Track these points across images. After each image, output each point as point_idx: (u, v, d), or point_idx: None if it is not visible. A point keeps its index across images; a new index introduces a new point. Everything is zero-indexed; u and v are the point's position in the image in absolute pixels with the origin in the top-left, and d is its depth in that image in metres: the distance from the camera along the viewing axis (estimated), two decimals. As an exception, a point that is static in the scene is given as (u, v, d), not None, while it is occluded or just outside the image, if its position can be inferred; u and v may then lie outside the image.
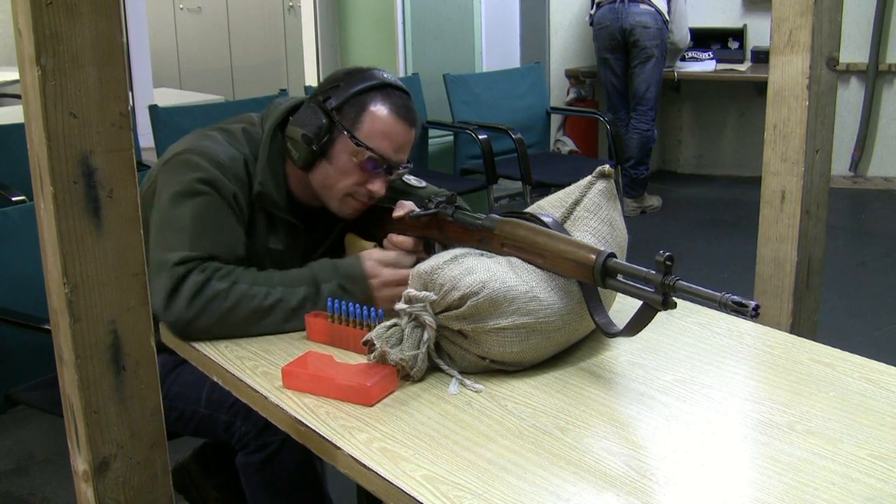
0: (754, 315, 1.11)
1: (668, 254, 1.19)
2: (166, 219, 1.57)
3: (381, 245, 1.67)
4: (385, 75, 1.67)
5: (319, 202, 1.71)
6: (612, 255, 1.31)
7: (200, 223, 1.56)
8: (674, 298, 1.20)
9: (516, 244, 1.42)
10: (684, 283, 1.19)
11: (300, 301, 1.54)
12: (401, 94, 1.66)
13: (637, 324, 1.30)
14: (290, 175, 1.70)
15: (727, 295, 1.14)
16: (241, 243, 1.61)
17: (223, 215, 1.60)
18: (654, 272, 1.21)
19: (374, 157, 1.62)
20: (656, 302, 1.21)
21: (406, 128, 1.65)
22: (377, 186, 1.65)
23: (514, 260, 1.41)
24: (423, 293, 1.34)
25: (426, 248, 1.62)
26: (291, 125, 1.66)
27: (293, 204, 1.71)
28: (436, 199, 1.59)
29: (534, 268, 1.39)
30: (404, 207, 1.64)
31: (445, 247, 1.58)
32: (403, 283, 1.47)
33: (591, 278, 1.32)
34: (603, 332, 1.38)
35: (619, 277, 1.29)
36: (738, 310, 1.12)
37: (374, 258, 1.59)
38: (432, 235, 1.60)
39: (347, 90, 1.63)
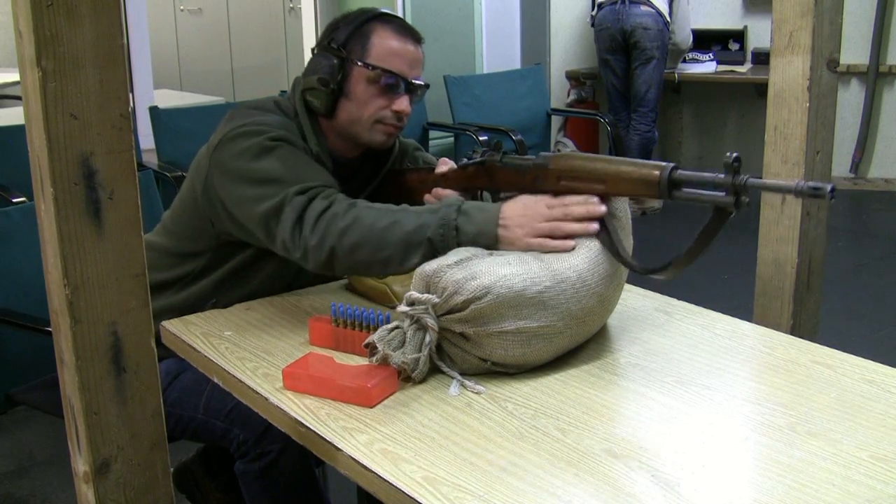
0: (832, 197, 1.16)
1: (735, 155, 1.21)
2: (257, 177, 1.57)
3: None
4: (379, 8, 1.72)
5: (357, 150, 1.74)
6: (677, 166, 1.32)
7: (295, 166, 1.58)
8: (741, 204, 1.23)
9: (574, 175, 1.43)
10: (755, 179, 1.22)
11: (416, 224, 1.46)
12: (398, 19, 1.72)
13: (704, 238, 1.29)
14: (327, 134, 1.73)
15: (801, 183, 1.17)
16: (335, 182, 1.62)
17: (309, 159, 1.62)
18: (721, 176, 1.24)
19: (391, 77, 1.66)
20: (729, 204, 1.23)
21: (413, 44, 1.70)
22: (402, 105, 1.68)
23: (525, 256, 1.39)
24: (426, 296, 1.33)
25: (473, 199, 1.62)
26: (305, 76, 1.70)
27: (336, 164, 1.73)
28: (481, 148, 1.60)
29: (545, 266, 1.38)
30: (447, 164, 1.66)
31: (494, 194, 1.59)
32: (538, 233, 1.42)
33: (657, 193, 1.33)
34: (647, 271, 1.37)
35: (685, 189, 1.31)
36: (816, 194, 1.16)
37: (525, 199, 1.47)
38: (480, 185, 1.60)
39: (348, 27, 1.68)
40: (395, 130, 1.71)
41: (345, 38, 1.67)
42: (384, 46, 1.66)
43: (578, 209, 1.41)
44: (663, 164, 1.33)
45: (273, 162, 1.58)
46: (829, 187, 1.15)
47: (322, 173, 1.62)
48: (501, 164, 1.54)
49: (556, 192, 1.45)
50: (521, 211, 1.44)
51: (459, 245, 1.44)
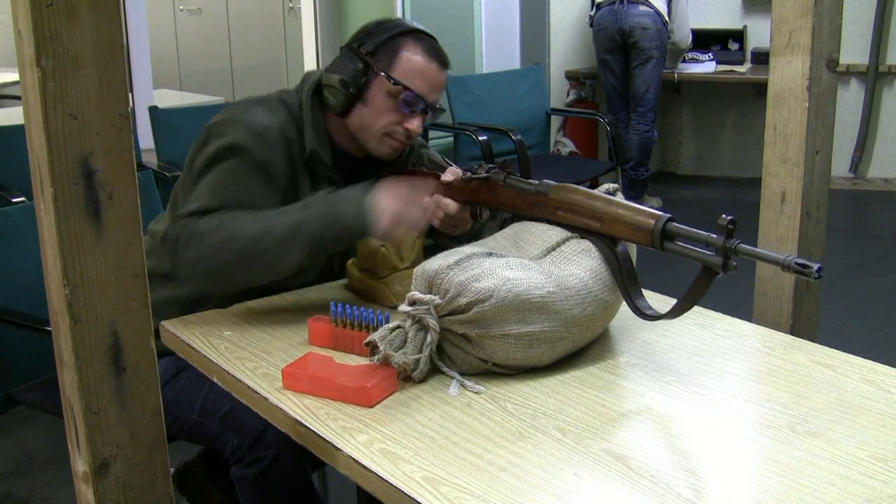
0: (818, 277, 1.15)
1: (730, 217, 1.22)
2: (191, 182, 1.64)
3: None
4: (414, 23, 1.75)
5: (364, 151, 1.76)
6: (672, 218, 1.33)
7: (220, 183, 1.62)
8: (733, 262, 1.23)
9: (572, 208, 1.45)
10: (746, 245, 1.22)
11: (288, 224, 1.53)
12: (430, 39, 1.73)
13: (691, 296, 1.30)
14: (333, 129, 1.75)
15: (790, 258, 1.17)
16: (260, 205, 1.63)
17: (246, 179, 1.64)
18: (714, 235, 1.24)
19: (411, 96, 1.67)
20: (717, 265, 1.23)
21: (438, 68, 1.71)
22: (415, 125, 1.70)
23: (527, 261, 1.39)
24: (428, 296, 1.33)
25: (472, 214, 1.65)
26: (327, 73, 1.71)
27: (339, 158, 1.75)
28: (486, 164, 1.61)
29: (550, 270, 1.38)
30: (454, 173, 1.67)
31: (493, 212, 1.61)
32: (409, 221, 1.52)
33: (649, 242, 1.34)
34: (642, 314, 1.38)
35: (678, 242, 1.31)
36: (802, 272, 1.16)
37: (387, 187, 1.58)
38: (481, 200, 1.61)
39: (380, 36, 1.70)
40: (402, 146, 1.73)
41: (375, 46, 1.69)
42: (411, 64, 1.68)
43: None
44: (659, 213, 1.34)
45: (214, 175, 1.62)
46: (816, 267, 1.14)
47: (245, 194, 1.63)
48: (504, 183, 1.56)
49: (553, 222, 1.48)
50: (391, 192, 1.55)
51: (346, 229, 1.51)
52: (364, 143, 1.73)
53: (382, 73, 1.67)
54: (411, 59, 1.68)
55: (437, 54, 1.72)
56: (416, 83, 1.68)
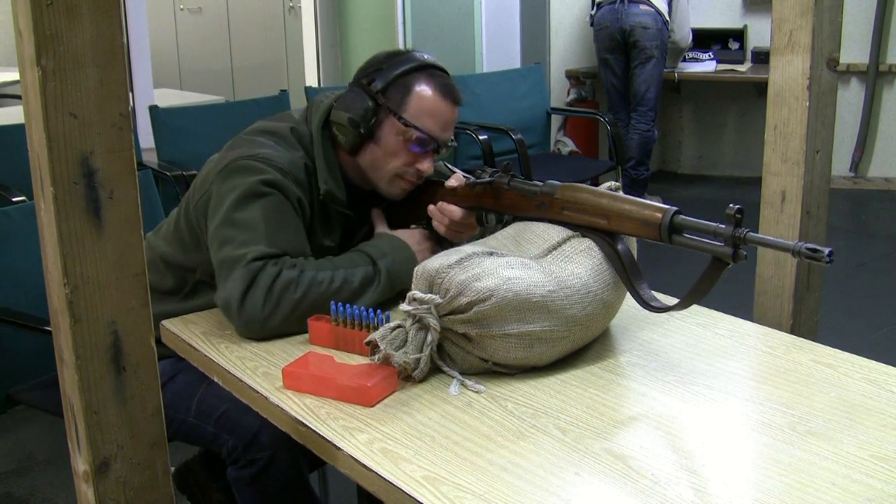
0: (829, 261, 1.15)
1: (738, 206, 1.22)
2: (234, 220, 1.56)
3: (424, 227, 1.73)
4: (426, 56, 1.70)
5: (371, 185, 1.73)
6: (679, 211, 1.33)
7: (272, 221, 1.57)
8: (743, 251, 1.23)
9: (578, 207, 1.45)
10: (755, 234, 1.22)
11: (362, 280, 1.57)
12: (442, 75, 1.69)
13: (700, 288, 1.30)
14: (343, 163, 1.72)
15: (800, 244, 1.18)
16: (307, 244, 1.62)
17: (291, 216, 1.61)
18: (723, 226, 1.24)
19: (423, 137, 1.64)
20: (726, 255, 1.24)
21: (451, 106, 1.68)
22: (426, 166, 1.68)
23: (527, 261, 1.39)
24: (429, 296, 1.33)
25: (478, 219, 1.65)
26: (336, 110, 1.68)
27: (350, 191, 1.72)
28: (490, 169, 1.61)
29: (550, 270, 1.38)
30: (458, 179, 1.66)
31: (498, 216, 1.61)
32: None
33: (657, 236, 1.34)
34: (650, 307, 1.38)
35: (686, 234, 1.31)
36: (814, 256, 1.16)
37: (416, 235, 1.69)
38: (486, 205, 1.61)
39: (391, 72, 1.65)
40: (411, 186, 1.71)
41: (385, 84, 1.64)
42: (423, 104, 1.64)
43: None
44: (666, 207, 1.34)
45: (254, 211, 1.56)
46: (826, 251, 1.15)
47: (297, 235, 1.60)
48: (509, 186, 1.55)
49: (559, 222, 1.47)
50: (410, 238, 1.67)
51: (403, 283, 1.53)
52: (374, 183, 1.71)
53: (394, 114, 1.63)
54: (424, 98, 1.64)
55: (450, 91, 1.67)
56: (428, 123, 1.64)
